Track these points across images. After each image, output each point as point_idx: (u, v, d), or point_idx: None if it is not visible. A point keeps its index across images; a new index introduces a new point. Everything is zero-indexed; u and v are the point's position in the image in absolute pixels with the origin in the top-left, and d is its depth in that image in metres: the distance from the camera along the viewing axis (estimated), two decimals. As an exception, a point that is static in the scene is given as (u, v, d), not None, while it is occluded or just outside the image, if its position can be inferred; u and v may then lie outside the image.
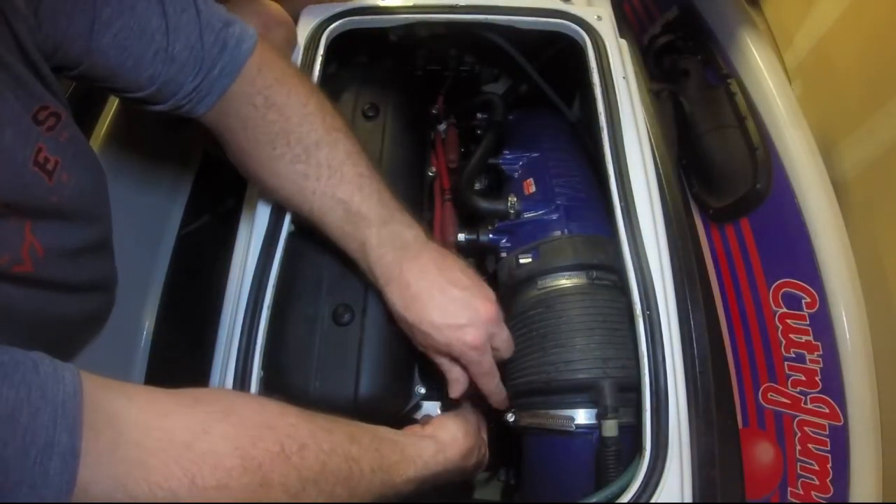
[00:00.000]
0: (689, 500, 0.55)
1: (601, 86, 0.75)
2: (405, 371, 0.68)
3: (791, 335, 0.80)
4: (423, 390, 0.69)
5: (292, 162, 0.61)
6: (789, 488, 0.76)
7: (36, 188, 0.52)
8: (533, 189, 0.80)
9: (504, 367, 0.66)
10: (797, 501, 0.75)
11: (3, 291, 0.53)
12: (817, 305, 0.78)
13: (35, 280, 0.56)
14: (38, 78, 0.51)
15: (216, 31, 0.57)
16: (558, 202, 0.77)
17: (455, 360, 0.61)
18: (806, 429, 0.77)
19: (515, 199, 0.78)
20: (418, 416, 0.72)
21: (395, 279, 0.60)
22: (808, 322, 0.79)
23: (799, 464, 0.76)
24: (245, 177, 0.66)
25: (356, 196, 0.61)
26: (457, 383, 0.63)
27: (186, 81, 0.56)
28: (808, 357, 0.78)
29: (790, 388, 0.79)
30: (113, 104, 0.92)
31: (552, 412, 0.63)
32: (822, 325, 0.77)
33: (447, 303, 0.58)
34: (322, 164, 0.61)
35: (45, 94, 0.52)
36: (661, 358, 0.59)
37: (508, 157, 0.87)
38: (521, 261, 0.71)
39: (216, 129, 0.62)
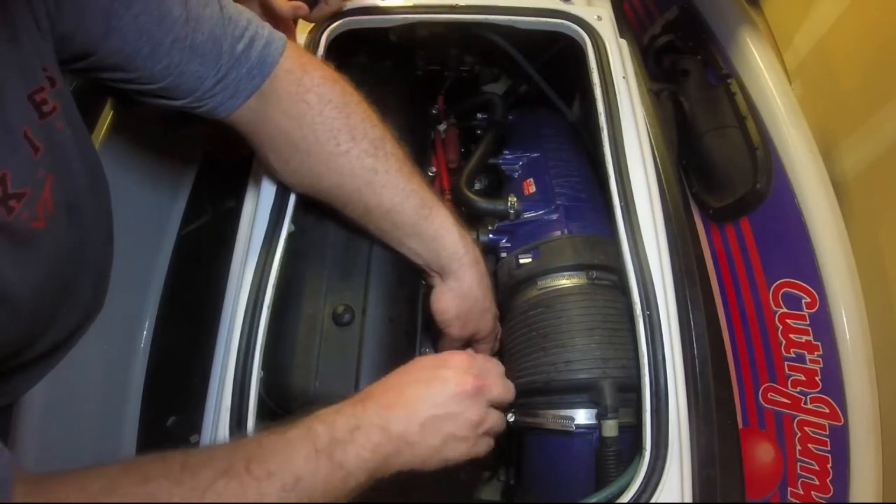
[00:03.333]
0: (689, 500, 0.55)
1: (601, 86, 0.75)
2: (405, 371, 0.68)
3: (791, 335, 0.80)
4: (423, 390, 0.68)
5: (360, 157, 0.61)
6: (789, 488, 0.76)
7: (29, 121, 0.52)
8: (533, 189, 0.80)
9: (505, 366, 0.66)
10: (797, 501, 0.75)
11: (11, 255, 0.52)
12: (817, 305, 0.78)
13: (44, 239, 0.56)
14: (44, 41, 0.51)
15: (241, 28, 0.58)
16: (558, 202, 0.77)
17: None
18: (806, 429, 0.77)
19: (515, 199, 0.78)
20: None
21: (456, 273, 0.66)
22: (808, 322, 0.79)
23: (799, 464, 0.76)
24: (291, 181, 0.66)
25: (425, 183, 0.65)
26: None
27: (208, 76, 0.56)
28: (808, 357, 0.78)
29: (790, 388, 0.79)
30: (112, 106, 0.92)
31: (552, 412, 0.63)
32: (822, 325, 0.77)
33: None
34: (390, 157, 0.63)
35: (48, 55, 0.52)
36: (661, 358, 0.59)
37: (508, 157, 0.87)
38: (521, 261, 0.71)
39: (254, 131, 0.62)
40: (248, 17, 0.59)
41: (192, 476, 0.44)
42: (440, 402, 0.53)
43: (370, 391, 0.54)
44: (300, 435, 0.49)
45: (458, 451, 0.55)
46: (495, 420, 0.58)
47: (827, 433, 0.75)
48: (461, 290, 0.66)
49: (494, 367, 0.61)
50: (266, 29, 0.60)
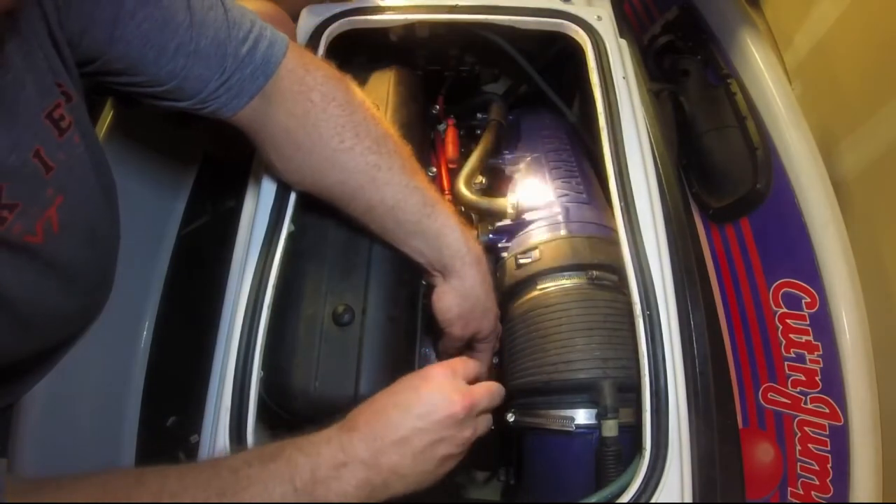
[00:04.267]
0: (689, 500, 0.55)
1: (601, 86, 0.75)
2: (405, 371, 0.68)
3: (791, 335, 0.80)
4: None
5: (363, 154, 0.62)
6: (789, 488, 0.76)
7: (45, 140, 0.52)
8: (533, 189, 0.80)
9: (505, 367, 0.66)
10: (797, 501, 0.75)
11: (5, 263, 0.52)
12: (817, 305, 0.78)
13: (41, 254, 0.56)
14: (59, 56, 0.52)
15: (245, 30, 0.58)
16: (558, 202, 0.77)
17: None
18: (806, 429, 0.77)
19: (516, 200, 0.78)
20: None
21: (459, 272, 0.65)
22: (808, 322, 0.79)
23: (799, 464, 0.76)
24: (294, 179, 0.66)
25: (428, 181, 0.66)
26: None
27: (212, 78, 0.57)
28: (808, 357, 0.78)
29: (790, 388, 0.79)
30: (112, 108, 0.92)
31: (552, 412, 0.63)
32: (822, 325, 0.77)
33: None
34: (393, 155, 0.63)
35: (62, 72, 0.53)
36: (661, 358, 0.59)
37: (508, 157, 0.87)
38: (521, 261, 0.71)
39: (258, 130, 0.62)
40: (252, 18, 0.60)
41: None
42: (431, 429, 0.51)
43: (356, 419, 0.52)
44: (279, 469, 0.47)
45: (451, 466, 0.54)
46: (485, 425, 0.57)
47: (827, 433, 0.75)
48: (463, 290, 0.66)
49: (475, 369, 0.59)
50: (269, 30, 0.60)
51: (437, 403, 0.52)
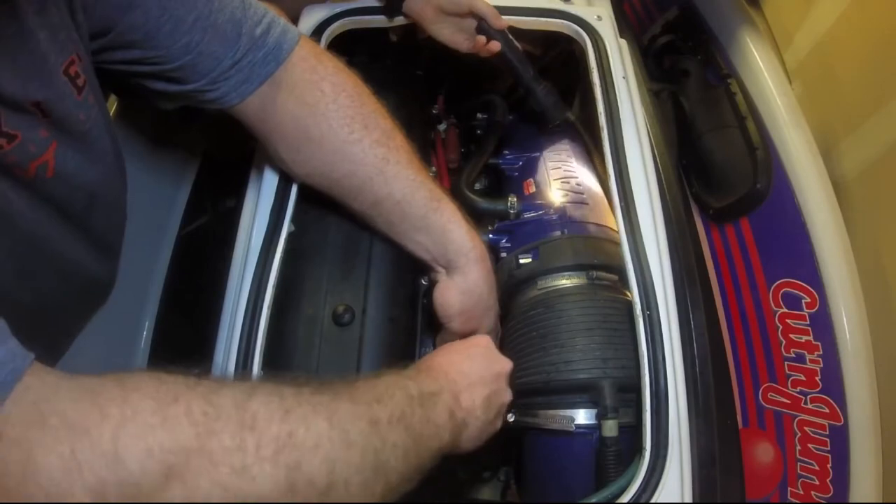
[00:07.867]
0: (689, 500, 0.55)
1: (601, 86, 0.75)
2: (405, 371, 0.68)
3: (791, 335, 0.80)
4: (423, 390, 0.68)
5: (372, 146, 0.62)
6: (789, 488, 0.76)
7: (67, 98, 0.51)
8: (533, 189, 0.80)
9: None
10: (797, 501, 0.75)
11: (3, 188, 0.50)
12: (817, 305, 0.78)
13: (32, 188, 0.53)
14: (72, 18, 0.51)
15: (260, 14, 0.58)
16: (558, 202, 0.77)
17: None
18: (806, 429, 0.77)
19: (515, 199, 0.78)
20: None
21: (462, 268, 0.65)
22: (808, 322, 0.79)
23: (799, 464, 0.76)
24: (301, 171, 0.65)
25: (432, 178, 0.66)
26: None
27: (226, 56, 0.56)
28: (808, 357, 0.78)
29: (790, 388, 0.79)
30: (113, 104, 0.92)
31: (552, 412, 0.63)
32: (822, 325, 0.77)
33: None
34: (400, 149, 0.63)
35: (73, 32, 0.52)
36: (661, 358, 0.59)
37: (508, 157, 0.87)
38: (521, 261, 0.71)
39: (265, 120, 0.61)
40: (265, 7, 0.60)
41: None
42: (493, 381, 0.57)
43: (430, 364, 0.55)
44: (393, 381, 0.48)
45: (499, 425, 0.58)
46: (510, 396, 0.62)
47: (827, 433, 0.75)
48: (466, 286, 0.66)
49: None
50: (283, 19, 0.61)
51: (493, 360, 0.59)
